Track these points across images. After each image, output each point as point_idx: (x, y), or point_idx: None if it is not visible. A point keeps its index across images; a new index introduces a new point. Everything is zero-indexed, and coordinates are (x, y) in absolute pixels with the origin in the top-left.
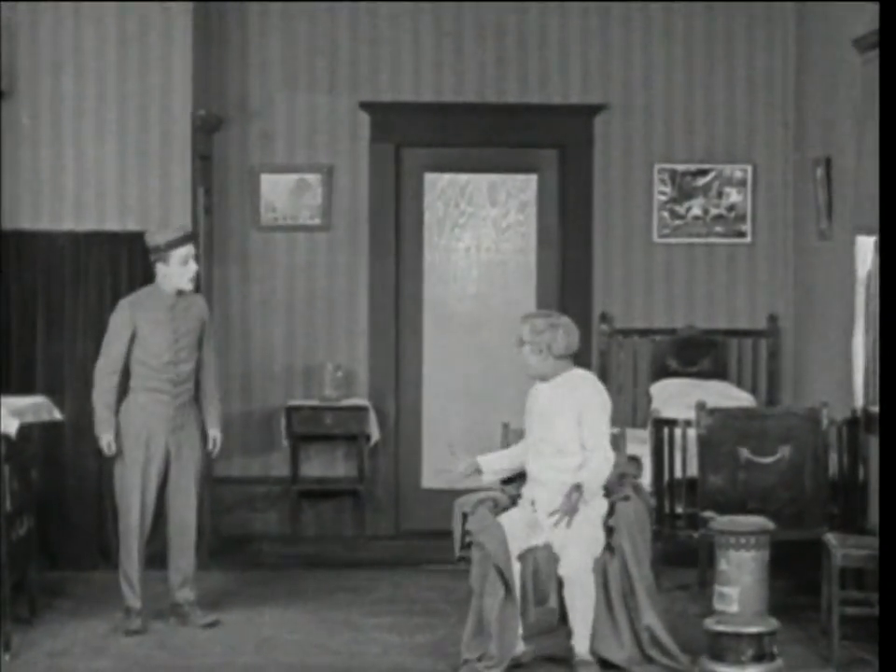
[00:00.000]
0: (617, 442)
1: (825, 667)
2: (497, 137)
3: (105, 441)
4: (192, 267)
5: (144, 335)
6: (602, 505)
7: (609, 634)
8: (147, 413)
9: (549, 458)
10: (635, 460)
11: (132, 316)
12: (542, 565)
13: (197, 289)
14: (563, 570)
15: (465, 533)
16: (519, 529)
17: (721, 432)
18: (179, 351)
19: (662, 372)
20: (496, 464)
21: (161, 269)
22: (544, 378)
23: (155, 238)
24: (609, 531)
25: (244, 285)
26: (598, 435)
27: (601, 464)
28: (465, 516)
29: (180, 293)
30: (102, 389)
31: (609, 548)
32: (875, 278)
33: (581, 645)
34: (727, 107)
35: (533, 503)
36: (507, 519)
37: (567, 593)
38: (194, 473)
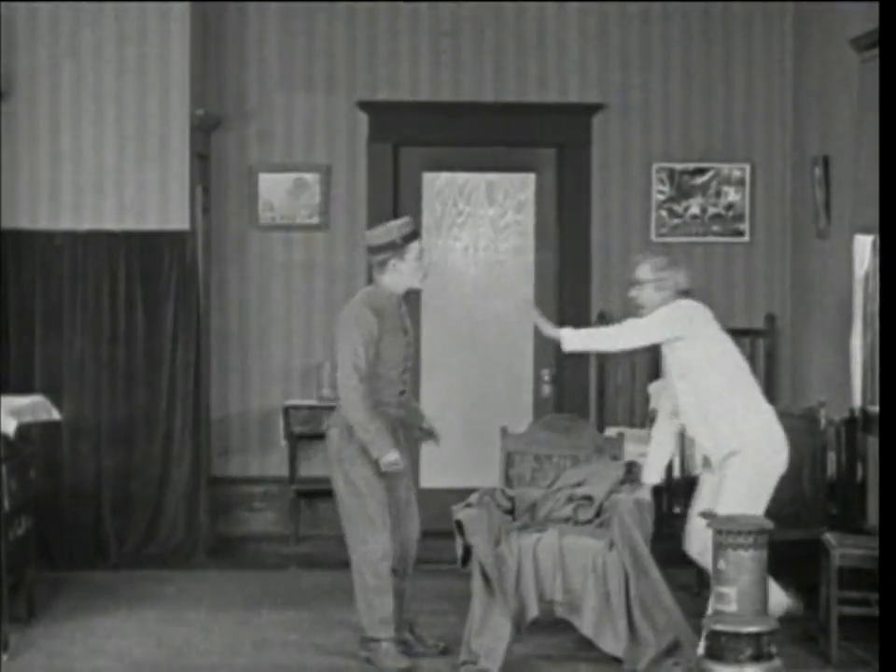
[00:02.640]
0: (615, 444)
1: (823, 667)
2: (494, 137)
3: (394, 458)
4: (426, 262)
5: (384, 345)
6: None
7: (608, 627)
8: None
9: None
10: (634, 465)
11: (377, 323)
12: (543, 558)
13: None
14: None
15: (460, 533)
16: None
17: None
18: (408, 359)
19: (660, 371)
20: (576, 338)
21: (396, 266)
22: None
23: (390, 233)
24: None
25: (241, 284)
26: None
27: None
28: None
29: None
30: (366, 406)
31: (609, 543)
32: (873, 277)
33: None
34: (725, 106)
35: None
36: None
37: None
38: (412, 487)
